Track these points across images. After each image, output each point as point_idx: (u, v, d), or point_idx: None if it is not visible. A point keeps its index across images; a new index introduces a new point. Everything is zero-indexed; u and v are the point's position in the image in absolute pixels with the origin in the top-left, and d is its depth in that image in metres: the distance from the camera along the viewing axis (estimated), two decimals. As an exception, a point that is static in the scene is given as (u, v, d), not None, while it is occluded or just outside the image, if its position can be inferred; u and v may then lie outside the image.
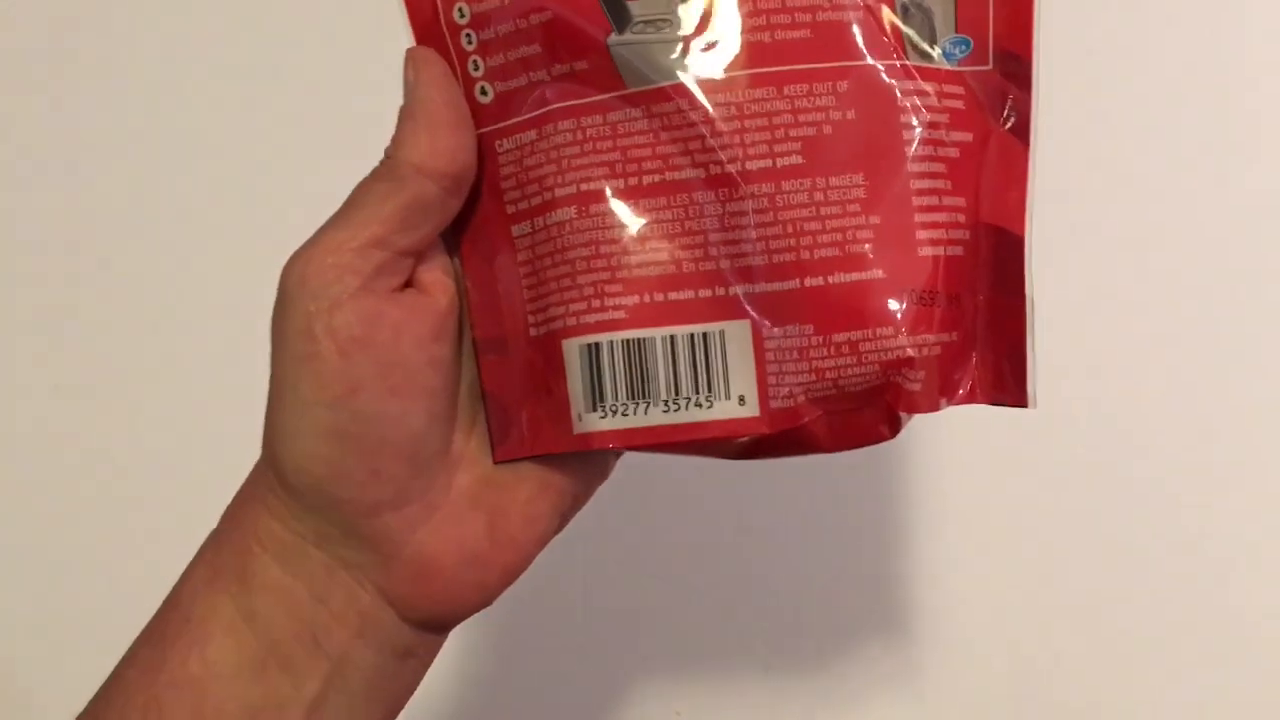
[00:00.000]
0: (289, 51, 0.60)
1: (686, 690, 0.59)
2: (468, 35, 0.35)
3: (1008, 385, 0.35)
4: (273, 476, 0.34)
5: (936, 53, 0.34)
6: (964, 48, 0.35)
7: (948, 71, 0.34)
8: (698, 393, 0.34)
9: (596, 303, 0.34)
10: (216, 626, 0.34)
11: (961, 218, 0.34)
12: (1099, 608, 0.58)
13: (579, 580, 0.59)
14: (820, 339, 0.33)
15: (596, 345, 0.34)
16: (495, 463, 0.36)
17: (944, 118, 0.34)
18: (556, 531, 0.37)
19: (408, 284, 0.35)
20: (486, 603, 0.36)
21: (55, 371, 0.60)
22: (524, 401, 0.36)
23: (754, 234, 0.33)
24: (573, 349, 0.34)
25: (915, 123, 0.34)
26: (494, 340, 0.36)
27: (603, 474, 0.38)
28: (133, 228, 0.61)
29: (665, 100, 0.33)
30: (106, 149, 0.62)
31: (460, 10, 0.35)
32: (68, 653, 0.58)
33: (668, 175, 0.34)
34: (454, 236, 0.36)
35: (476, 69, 0.35)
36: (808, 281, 0.33)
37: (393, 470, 0.34)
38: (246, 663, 0.34)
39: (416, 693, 0.38)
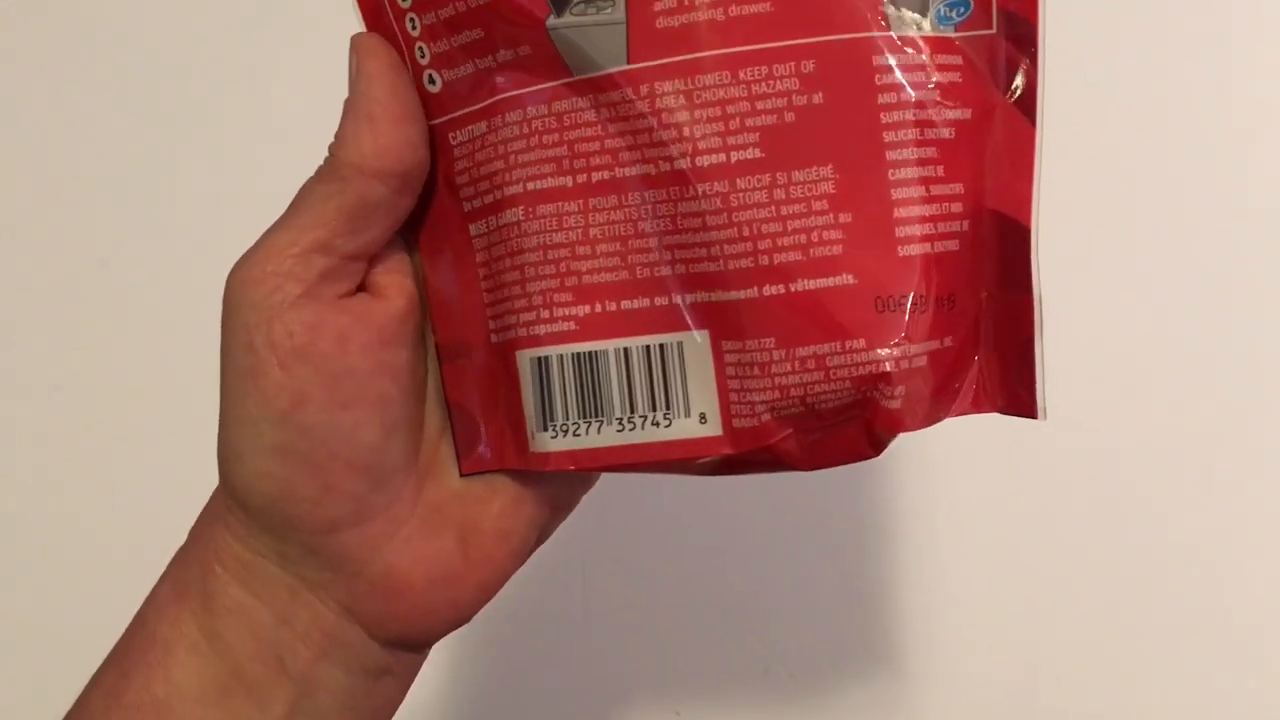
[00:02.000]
0: (290, 49, 0.59)
1: (686, 690, 0.57)
2: (411, 20, 0.32)
3: (1015, 393, 0.31)
4: (229, 495, 0.33)
5: (929, 17, 0.30)
6: (962, 10, 0.30)
7: (941, 39, 0.30)
8: (654, 410, 0.31)
9: (545, 313, 0.31)
10: (180, 648, 0.33)
11: (958, 207, 0.30)
12: (1098, 614, 0.56)
13: (579, 580, 0.58)
14: (783, 353, 0.30)
15: (546, 359, 0.31)
16: (462, 475, 0.34)
17: (934, 94, 0.30)
18: (536, 545, 0.35)
19: (361, 288, 0.33)
20: (462, 621, 0.35)
21: (55, 371, 0.61)
22: (488, 412, 0.33)
23: (708, 237, 0.30)
24: (524, 361, 0.32)
25: (897, 102, 0.30)
26: (456, 346, 0.34)
27: (585, 483, 0.36)
28: (132, 228, 0.61)
29: (612, 88, 0.30)
30: (107, 149, 0.61)
31: None
32: (64, 654, 0.59)
33: (617, 172, 0.30)
34: (413, 235, 0.34)
35: (423, 56, 0.32)
36: (767, 290, 0.29)
37: (348, 486, 0.32)
38: (210, 685, 0.33)
39: (416, 693, 0.37)
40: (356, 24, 0.33)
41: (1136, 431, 0.56)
